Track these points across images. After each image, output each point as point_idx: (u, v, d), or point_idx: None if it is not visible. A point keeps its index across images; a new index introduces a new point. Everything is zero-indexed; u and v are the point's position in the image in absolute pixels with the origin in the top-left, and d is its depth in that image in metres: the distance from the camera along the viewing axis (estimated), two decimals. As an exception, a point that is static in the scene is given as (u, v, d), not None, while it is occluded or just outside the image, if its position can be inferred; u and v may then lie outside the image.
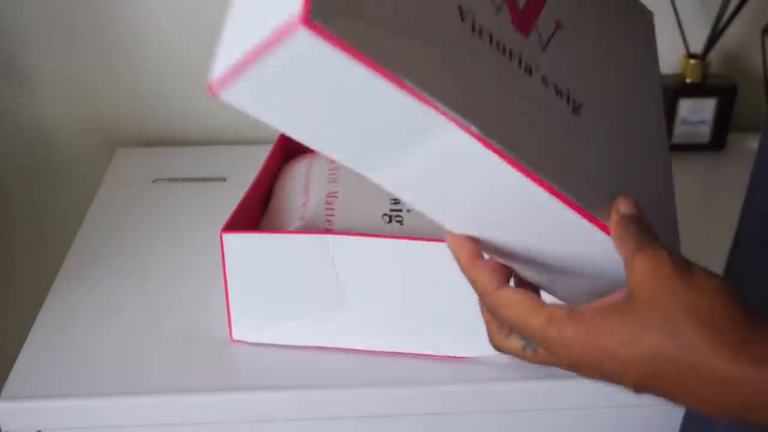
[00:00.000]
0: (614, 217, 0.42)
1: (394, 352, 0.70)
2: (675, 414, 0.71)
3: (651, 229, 0.42)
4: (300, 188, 0.75)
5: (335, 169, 0.77)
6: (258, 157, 0.83)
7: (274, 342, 0.70)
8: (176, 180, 0.99)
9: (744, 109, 1.11)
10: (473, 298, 0.66)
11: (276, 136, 0.83)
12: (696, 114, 1.05)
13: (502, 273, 0.45)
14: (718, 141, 1.07)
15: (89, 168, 1.10)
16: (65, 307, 0.76)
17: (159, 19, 1.04)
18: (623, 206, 0.42)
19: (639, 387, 0.41)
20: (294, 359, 0.69)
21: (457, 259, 0.46)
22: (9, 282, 1.18)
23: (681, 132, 1.06)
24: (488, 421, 0.71)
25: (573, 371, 0.43)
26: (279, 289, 0.68)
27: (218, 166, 1.01)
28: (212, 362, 0.69)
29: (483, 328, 0.67)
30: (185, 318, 0.74)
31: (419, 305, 0.67)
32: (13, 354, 0.70)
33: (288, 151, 0.84)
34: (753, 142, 1.09)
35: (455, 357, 0.70)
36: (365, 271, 0.66)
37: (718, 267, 0.85)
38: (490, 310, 0.46)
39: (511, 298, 0.44)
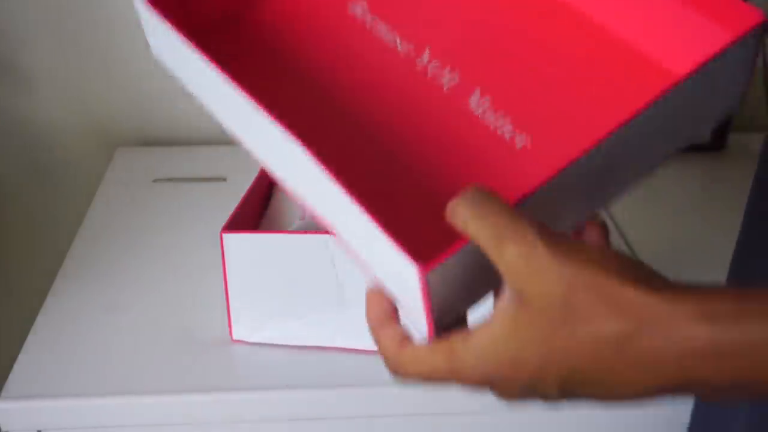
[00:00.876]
0: (453, 213, 0.37)
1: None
2: (678, 415, 0.71)
3: (505, 211, 0.36)
4: None
5: None
6: (258, 157, 0.83)
7: (274, 342, 0.70)
8: (176, 180, 0.99)
9: (744, 109, 1.11)
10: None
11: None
12: (696, 114, 1.05)
13: (407, 336, 0.41)
14: (718, 141, 1.07)
15: (89, 168, 1.10)
16: (65, 307, 0.76)
17: (159, 19, 1.04)
18: (463, 206, 0.37)
19: (564, 390, 0.36)
20: (294, 359, 0.69)
21: (367, 313, 0.43)
22: (9, 282, 1.18)
23: (681, 132, 1.06)
24: (488, 421, 0.71)
25: (494, 394, 0.38)
26: (279, 289, 0.68)
27: (218, 166, 1.01)
28: (212, 362, 0.69)
29: None
30: (185, 318, 0.74)
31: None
32: (13, 354, 0.70)
33: None
34: (753, 143, 1.09)
35: None
36: None
37: (719, 266, 0.85)
38: (393, 373, 0.41)
39: (410, 354, 0.40)
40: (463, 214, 0.36)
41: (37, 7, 1.02)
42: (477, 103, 0.49)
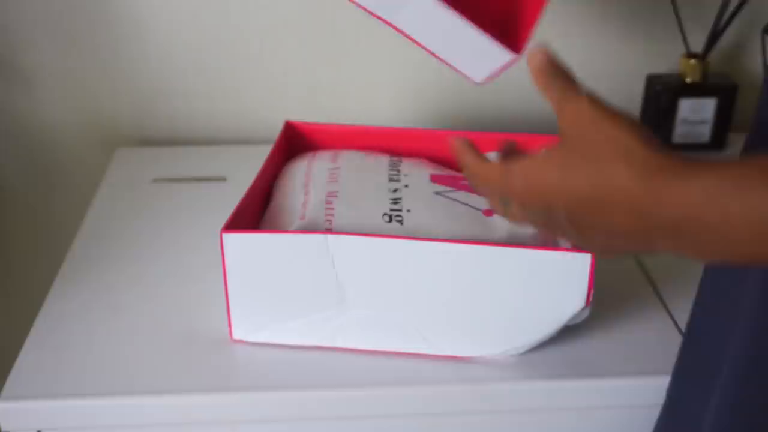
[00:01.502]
0: (536, 72, 0.52)
1: (394, 352, 0.70)
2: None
3: (570, 77, 0.51)
4: (300, 187, 0.75)
5: (335, 169, 0.77)
6: (258, 157, 0.83)
7: (274, 342, 0.70)
8: (176, 180, 0.99)
9: (744, 108, 1.11)
10: (472, 298, 0.66)
11: (276, 136, 0.83)
12: (696, 113, 1.05)
13: (479, 152, 0.56)
14: (718, 140, 1.07)
15: (89, 168, 1.10)
16: (65, 307, 0.76)
17: (159, 18, 1.04)
18: (540, 58, 0.52)
19: (570, 216, 0.48)
20: (294, 359, 0.69)
21: (461, 154, 0.57)
22: (9, 282, 1.19)
23: (681, 132, 1.06)
24: (488, 421, 0.71)
25: (526, 208, 0.51)
26: (279, 289, 0.68)
27: (218, 166, 1.01)
28: (212, 362, 0.69)
29: (482, 328, 0.68)
30: (185, 318, 0.74)
31: (419, 305, 0.67)
32: (13, 354, 0.70)
33: (288, 150, 0.84)
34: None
35: (455, 357, 0.70)
36: (365, 271, 0.66)
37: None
38: (473, 187, 0.57)
39: (485, 167, 0.54)
40: (541, 67, 0.51)
41: (37, 7, 1.02)
42: None
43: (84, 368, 0.69)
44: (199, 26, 1.05)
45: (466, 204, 0.72)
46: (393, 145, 0.83)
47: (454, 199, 0.73)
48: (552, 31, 1.02)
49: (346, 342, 0.70)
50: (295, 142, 0.84)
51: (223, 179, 0.98)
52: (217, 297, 0.72)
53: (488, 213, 0.72)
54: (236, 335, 0.71)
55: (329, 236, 0.65)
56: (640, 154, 0.45)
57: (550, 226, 0.51)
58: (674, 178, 0.43)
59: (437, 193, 0.74)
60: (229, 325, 0.70)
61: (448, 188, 0.75)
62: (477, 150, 0.56)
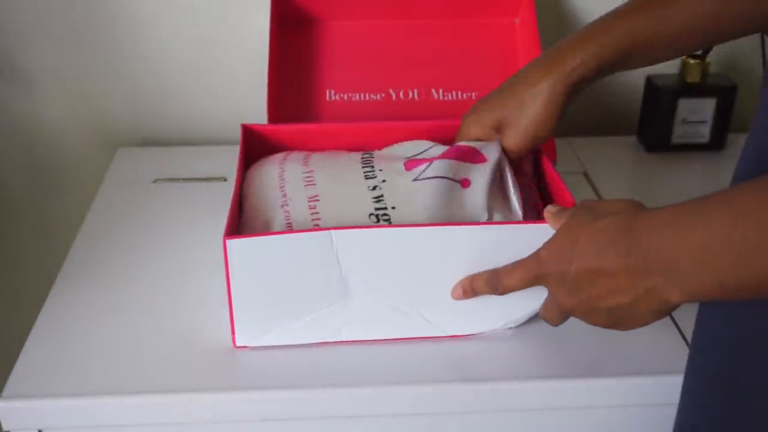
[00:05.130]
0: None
1: (398, 339, 0.70)
2: (673, 415, 0.71)
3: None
4: (276, 190, 0.75)
5: (309, 172, 0.76)
6: (258, 157, 0.83)
7: (279, 343, 0.70)
8: (176, 180, 0.99)
9: (743, 108, 1.11)
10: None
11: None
12: (696, 114, 1.05)
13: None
14: (717, 141, 1.07)
15: (90, 168, 1.10)
16: (66, 307, 0.76)
17: (159, 18, 1.04)
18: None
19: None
20: (295, 357, 0.70)
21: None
22: (10, 282, 1.19)
23: (681, 132, 1.06)
24: (488, 421, 0.71)
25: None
26: (283, 291, 0.68)
27: (218, 166, 1.01)
28: (213, 361, 0.69)
29: (482, 304, 0.69)
30: (186, 318, 0.74)
31: (420, 289, 0.68)
32: (14, 353, 0.70)
33: (251, 153, 0.83)
34: (753, 142, 1.09)
35: (458, 336, 0.71)
36: (369, 262, 0.67)
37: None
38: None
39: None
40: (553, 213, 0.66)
41: (38, 7, 1.02)
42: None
43: (84, 368, 0.69)
44: (198, 26, 1.05)
45: (444, 177, 0.72)
46: (358, 141, 0.83)
47: (432, 177, 0.73)
48: (553, 32, 1.02)
49: (351, 334, 0.70)
50: (256, 145, 0.83)
51: (223, 179, 0.98)
52: (218, 296, 0.72)
53: (465, 184, 0.72)
54: (240, 342, 0.70)
55: (333, 232, 0.65)
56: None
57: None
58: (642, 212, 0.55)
59: (415, 179, 0.73)
60: (233, 333, 0.70)
61: (423, 165, 0.74)
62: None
